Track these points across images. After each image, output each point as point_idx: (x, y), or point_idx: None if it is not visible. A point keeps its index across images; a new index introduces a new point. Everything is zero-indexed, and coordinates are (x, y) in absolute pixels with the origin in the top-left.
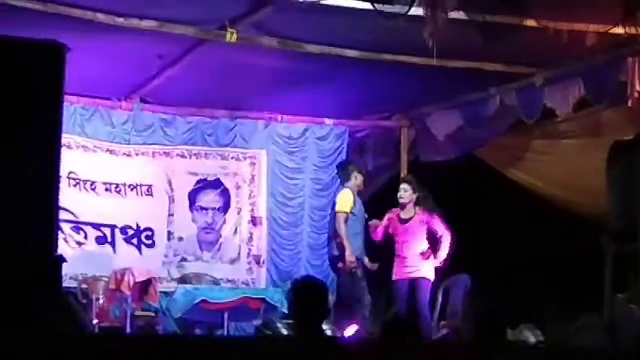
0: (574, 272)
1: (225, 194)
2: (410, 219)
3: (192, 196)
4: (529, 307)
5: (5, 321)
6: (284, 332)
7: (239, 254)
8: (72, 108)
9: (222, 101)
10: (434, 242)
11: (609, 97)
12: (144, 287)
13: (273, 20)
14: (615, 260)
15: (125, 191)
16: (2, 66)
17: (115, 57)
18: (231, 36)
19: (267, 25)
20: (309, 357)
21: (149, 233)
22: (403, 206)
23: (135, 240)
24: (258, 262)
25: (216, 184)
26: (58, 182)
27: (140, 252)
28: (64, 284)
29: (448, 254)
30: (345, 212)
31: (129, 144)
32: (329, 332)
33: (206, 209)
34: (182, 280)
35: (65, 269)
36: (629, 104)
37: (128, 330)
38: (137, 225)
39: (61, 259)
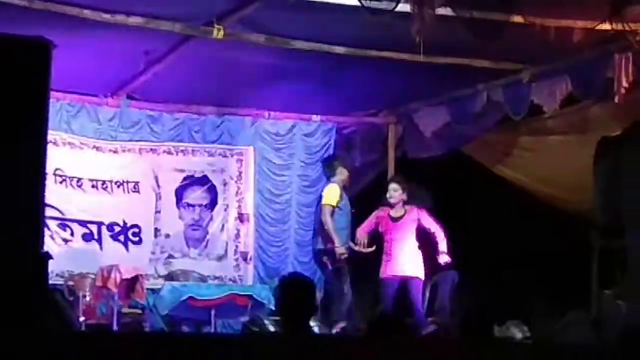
0: (562, 268)
1: (212, 190)
2: (401, 217)
3: (179, 193)
4: (516, 303)
5: None
6: (271, 329)
7: (226, 250)
8: (58, 105)
9: (209, 98)
10: (425, 239)
11: (596, 93)
12: (131, 284)
13: (260, 16)
14: (602, 257)
15: (112, 188)
16: None
17: (101, 54)
18: (218, 32)
19: (255, 22)
20: (297, 354)
21: (136, 230)
22: (392, 205)
23: (122, 237)
24: (245, 259)
25: (203, 180)
26: (44, 179)
27: (127, 249)
28: (51, 281)
29: (448, 247)
30: (331, 205)
31: (115, 140)
32: (316, 329)
33: (193, 205)
34: (169, 277)
35: (52, 266)
36: (616, 100)
37: (115, 327)
38: (124, 222)
39: (47, 256)
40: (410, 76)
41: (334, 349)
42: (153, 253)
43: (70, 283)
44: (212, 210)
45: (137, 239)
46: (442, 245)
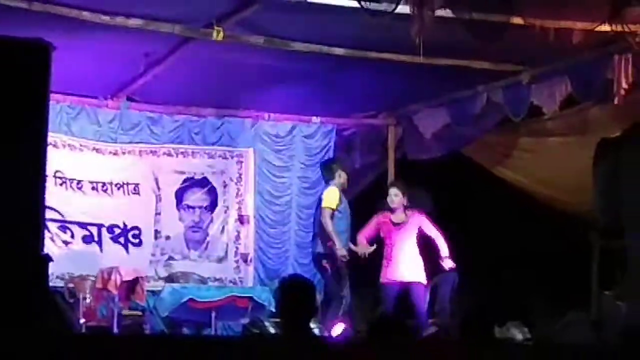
0: (562, 269)
1: (212, 192)
2: (402, 222)
3: (179, 195)
4: (516, 304)
5: None
6: (272, 330)
7: (226, 252)
8: (58, 107)
9: (209, 99)
10: (426, 243)
11: (595, 94)
12: (131, 286)
13: (260, 18)
14: (602, 257)
15: (112, 190)
16: None
17: (101, 56)
18: (218, 34)
19: (254, 23)
20: (297, 356)
21: (136, 232)
22: (393, 210)
23: (122, 239)
24: (245, 261)
25: (203, 182)
26: (44, 181)
27: (127, 251)
28: (51, 284)
29: (449, 251)
30: (331, 208)
31: (115, 142)
32: (316, 331)
33: (193, 207)
34: (170, 279)
35: (52, 268)
36: (616, 101)
37: (115, 329)
38: (124, 224)
39: (47, 259)
40: (410, 78)
41: (334, 351)
42: (153, 255)
43: (71, 285)
44: (212, 212)
45: (137, 240)
46: (444, 250)
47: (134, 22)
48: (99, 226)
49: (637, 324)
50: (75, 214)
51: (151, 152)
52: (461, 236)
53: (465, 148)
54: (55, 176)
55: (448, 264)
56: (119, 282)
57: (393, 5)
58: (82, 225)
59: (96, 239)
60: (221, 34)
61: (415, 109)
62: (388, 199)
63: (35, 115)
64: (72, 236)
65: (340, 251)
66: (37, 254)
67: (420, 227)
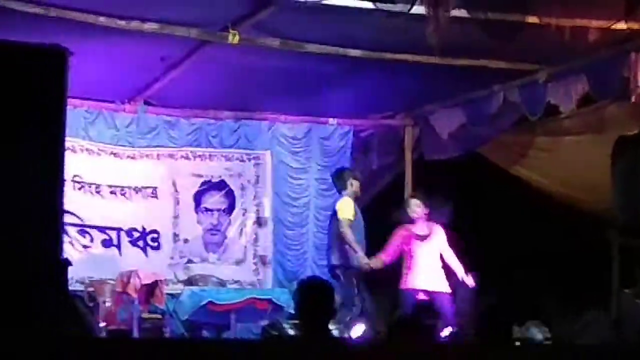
0: (578, 268)
1: (230, 195)
2: (427, 235)
3: (197, 198)
4: (534, 304)
5: (11, 324)
6: (291, 332)
7: (244, 255)
8: (76, 111)
9: (226, 102)
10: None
11: (612, 93)
12: (151, 289)
13: (275, 20)
14: (622, 255)
15: (130, 194)
16: (5, 71)
17: (118, 60)
18: (233, 37)
19: (269, 26)
20: (316, 358)
21: (155, 235)
22: (414, 221)
23: (141, 243)
24: (264, 263)
25: (221, 185)
26: (62, 185)
27: (146, 254)
28: (71, 288)
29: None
30: (349, 220)
31: (133, 146)
32: (335, 333)
33: (211, 210)
34: (189, 282)
35: (72, 272)
36: (633, 99)
37: (135, 333)
38: (143, 227)
39: (67, 263)
40: (426, 78)
41: (353, 353)
42: (172, 258)
43: (91, 289)
44: (230, 214)
45: (156, 244)
46: (459, 271)
47: (149, 26)
48: (118, 230)
49: None
50: (94, 218)
51: (169, 155)
52: (478, 236)
53: (482, 148)
54: (73, 181)
55: (469, 282)
56: (138, 285)
57: (408, 6)
58: (101, 229)
59: (115, 242)
60: (237, 37)
61: (432, 110)
62: (409, 210)
63: (52, 120)
64: (92, 240)
65: (363, 259)
66: (56, 258)
67: (442, 241)
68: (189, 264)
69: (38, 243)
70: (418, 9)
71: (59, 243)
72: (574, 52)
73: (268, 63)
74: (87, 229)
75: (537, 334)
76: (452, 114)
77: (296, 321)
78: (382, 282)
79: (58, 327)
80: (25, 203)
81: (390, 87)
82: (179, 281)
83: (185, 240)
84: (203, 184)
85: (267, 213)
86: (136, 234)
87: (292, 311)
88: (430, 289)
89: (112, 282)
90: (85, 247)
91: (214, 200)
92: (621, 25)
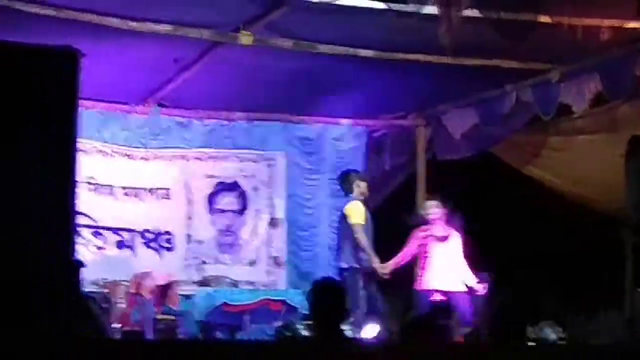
0: (591, 268)
1: (243, 196)
2: (446, 237)
3: (211, 199)
4: (547, 304)
5: (23, 325)
6: (305, 333)
7: (258, 256)
8: (89, 113)
9: (239, 104)
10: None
11: (625, 91)
12: (164, 290)
13: (287, 21)
14: (635, 254)
15: (144, 195)
16: (17, 73)
17: (130, 62)
18: (247, 39)
19: (282, 27)
20: (329, 359)
21: (168, 237)
22: (431, 222)
23: (154, 244)
24: (278, 264)
25: (234, 186)
26: (75, 187)
27: (159, 255)
28: (85, 289)
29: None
30: (360, 224)
31: (146, 148)
32: (348, 333)
33: (224, 211)
34: (202, 283)
35: (86, 274)
36: None
37: (149, 334)
38: (157, 229)
39: (79, 264)
40: (438, 78)
41: (367, 353)
42: (186, 259)
43: (105, 290)
44: (243, 215)
45: (169, 245)
46: (470, 281)
47: (162, 27)
48: (132, 231)
49: None
50: (108, 219)
51: (182, 156)
52: (491, 235)
53: (494, 148)
54: (87, 182)
55: (479, 289)
56: (152, 286)
57: (420, 6)
58: (115, 230)
59: (129, 244)
60: (249, 38)
61: (444, 110)
62: (426, 212)
63: (64, 121)
64: (105, 242)
65: (380, 268)
66: (69, 260)
67: (459, 245)
68: (202, 265)
69: (50, 244)
70: (430, 9)
71: (72, 244)
72: (586, 51)
73: (280, 64)
74: (101, 231)
75: (551, 334)
76: (464, 114)
77: (310, 322)
78: (394, 283)
79: (71, 328)
80: (37, 204)
81: (402, 87)
82: (192, 282)
83: (199, 242)
84: (216, 185)
85: (280, 214)
86: (150, 236)
87: (306, 312)
88: (446, 289)
89: (126, 283)
90: (99, 248)
91: (227, 201)
92: (633, 24)
